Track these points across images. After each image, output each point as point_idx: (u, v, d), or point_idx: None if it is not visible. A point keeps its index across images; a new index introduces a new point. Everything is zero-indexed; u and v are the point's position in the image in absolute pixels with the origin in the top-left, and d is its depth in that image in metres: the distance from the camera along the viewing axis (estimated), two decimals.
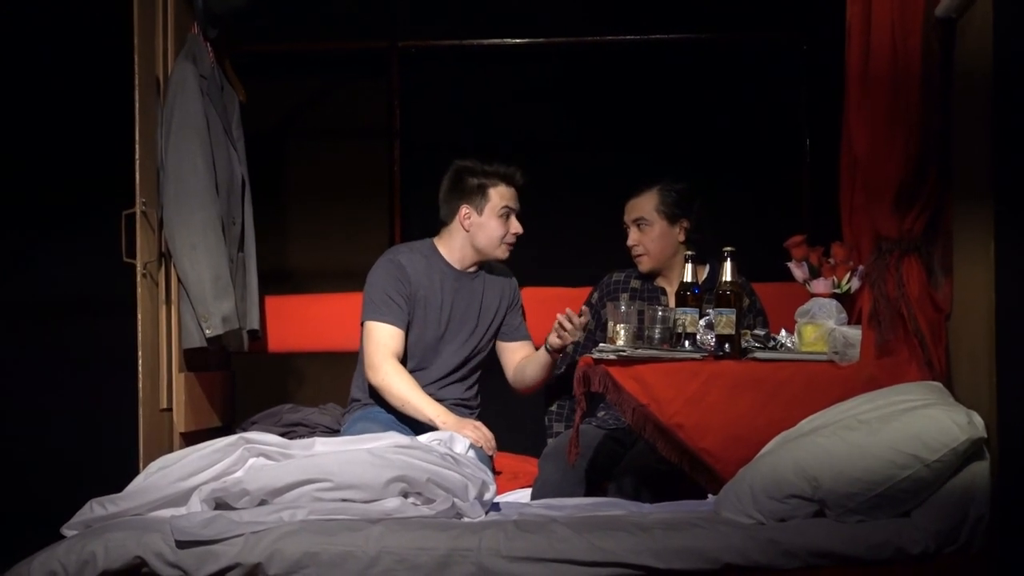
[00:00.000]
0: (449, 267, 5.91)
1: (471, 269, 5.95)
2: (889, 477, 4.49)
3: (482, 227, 5.85)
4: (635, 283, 6.03)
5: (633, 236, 5.97)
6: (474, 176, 5.85)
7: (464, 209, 5.87)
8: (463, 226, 5.88)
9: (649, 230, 5.93)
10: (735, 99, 7.58)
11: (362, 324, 5.85)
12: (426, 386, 5.79)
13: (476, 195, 5.84)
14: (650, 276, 6.01)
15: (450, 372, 5.91)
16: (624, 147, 7.51)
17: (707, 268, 5.91)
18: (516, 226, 5.86)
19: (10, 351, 7.18)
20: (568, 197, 6.11)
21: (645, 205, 5.95)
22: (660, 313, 5.28)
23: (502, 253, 5.88)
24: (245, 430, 5.73)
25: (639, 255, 5.98)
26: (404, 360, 5.84)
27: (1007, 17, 4.48)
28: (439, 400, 5.76)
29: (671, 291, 5.91)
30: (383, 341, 5.79)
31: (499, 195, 5.83)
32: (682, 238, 5.93)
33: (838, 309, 5.23)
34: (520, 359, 5.99)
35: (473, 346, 5.94)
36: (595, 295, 6.10)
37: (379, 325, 5.81)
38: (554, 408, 6.09)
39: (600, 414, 5.93)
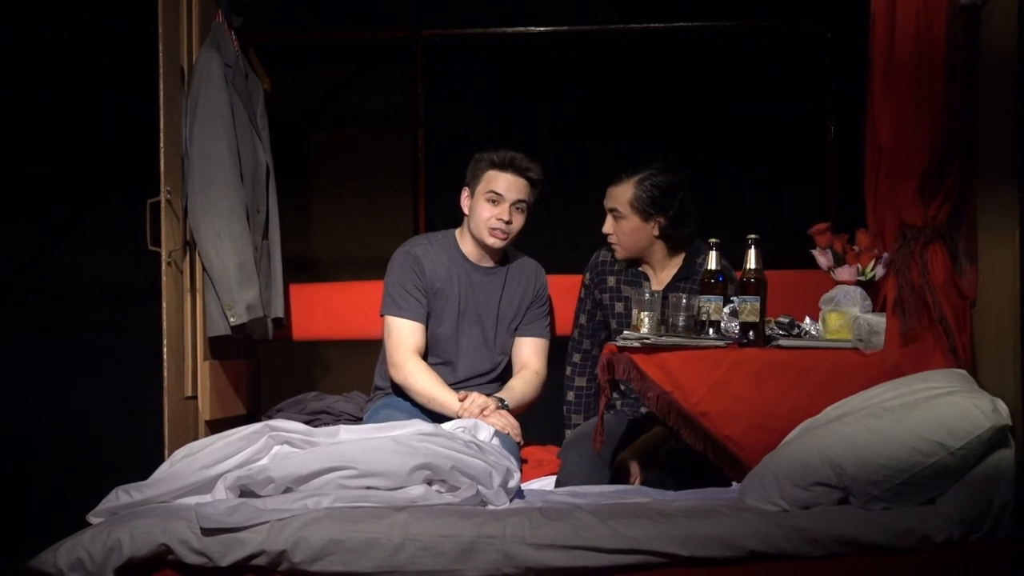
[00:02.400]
0: (467, 261, 5.90)
1: (489, 264, 5.93)
2: (913, 465, 4.49)
3: (473, 210, 5.84)
4: (620, 265, 5.97)
5: (608, 224, 5.85)
6: (478, 161, 5.86)
7: (464, 191, 5.89)
8: (464, 209, 5.89)
9: (623, 222, 5.81)
10: (760, 87, 7.57)
11: (381, 317, 5.86)
12: (452, 384, 5.79)
13: (473, 178, 5.85)
14: (633, 262, 5.98)
15: (478, 375, 5.90)
16: (648, 135, 7.51)
17: (683, 256, 5.87)
18: (501, 212, 5.77)
19: (36, 339, 7.22)
20: (592, 185, 6.10)
21: (620, 197, 5.81)
22: (684, 301, 5.28)
23: (488, 238, 5.81)
24: (270, 418, 5.75)
25: (613, 244, 5.91)
26: (426, 354, 5.85)
27: None
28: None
29: (654, 277, 5.86)
30: (403, 338, 5.79)
31: (488, 179, 5.80)
32: (656, 233, 5.80)
33: (862, 296, 5.22)
34: (524, 355, 5.96)
35: (497, 347, 5.92)
36: (587, 276, 6.06)
37: (398, 321, 5.81)
38: (571, 398, 6.06)
39: (617, 404, 5.92)
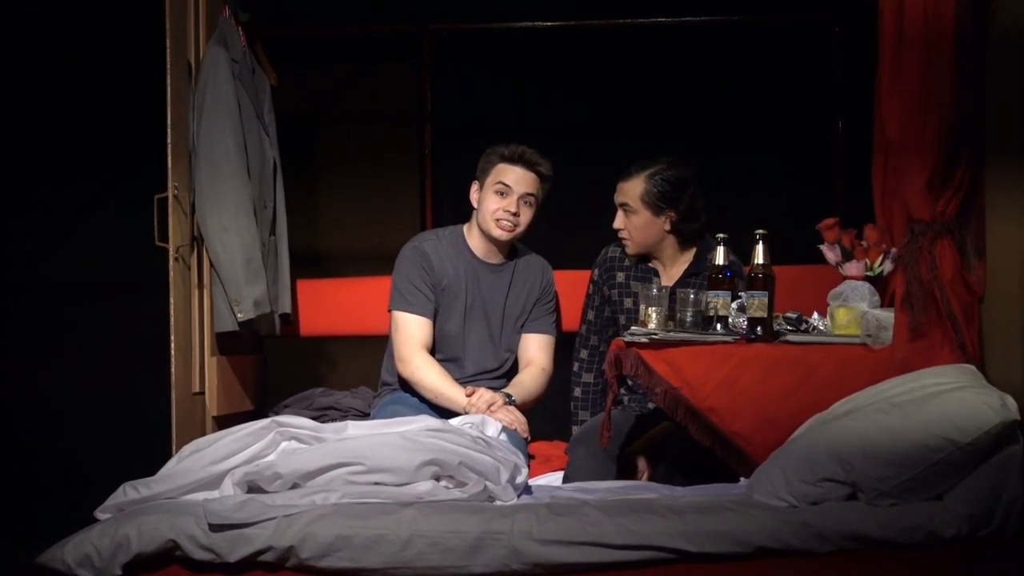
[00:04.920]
0: (474, 257, 5.89)
1: (496, 260, 5.93)
2: (922, 460, 4.48)
3: (481, 202, 5.84)
4: (629, 261, 5.95)
5: (619, 220, 5.83)
6: (489, 155, 5.86)
7: (474, 185, 5.90)
8: (473, 202, 5.90)
9: (634, 217, 5.79)
10: (768, 82, 7.55)
11: (389, 312, 5.86)
12: (459, 381, 5.77)
13: (483, 171, 5.86)
14: (643, 257, 5.96)
15: (485, 371, 5.90)
16: (656, 130, 7.48)
17: (694, 251, 5.87)
18: (509, 204, 5.76)
19: (44, 335, 7.22)
20: (600, 179, 6.09)
21: (631, 191, 5.79)
22: (692, 296, 5.28)
23: (495, 230, 5.79)
24: (277, 414, 5.76)
25: (624, 239, 5.89)
26: (433, 351, 5.84)
27: None
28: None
29: (664, 272, 5.85)
30: (411, 333, 5.78)
31: (497, 172, 5.80)
32: (667, 227, 5.79)
33: (871, 292, 5.22)
34: (531, 351, 5.95)
35: (503, 343, 5.91)
36: (596, 272, 6.04)
37: (406, 315, 5.80)
38: (578, 394, 6.05)
39: (625, 399, 5.91)
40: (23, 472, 7.06)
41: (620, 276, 5.90)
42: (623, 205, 5.80)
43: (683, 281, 5.76)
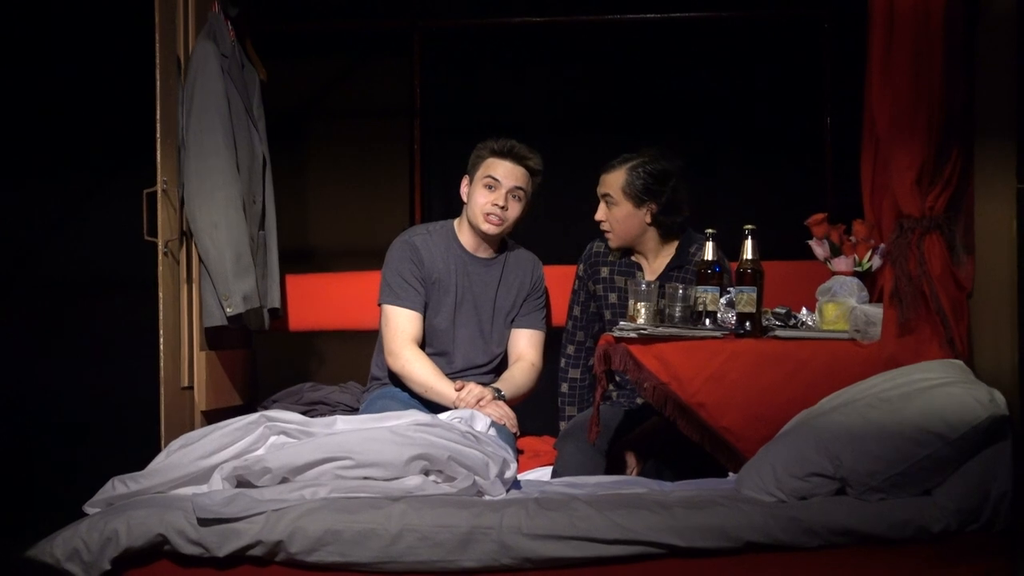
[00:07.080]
0: (465, 251, 5.89)
1: (486, 255, 5.92)
2: (910, 455, 4.48)
3: (471, 197, 5.83)
4: (613, 256, 5.95)
5: (600, 211, 5.84)
6: (479, 149, 5.86)
7: (464, 179, 5.89)
8: (463, 197, 5.89)
9: (615, 208, 5.79)
10: (757, 77, 7.56)
11: (379, 306, 5.86)
12: (448, 376, 5.77)
13: (473, 166, 5.86)
14: (626, 251, 5.96)
15: (474, 367, 5.89)
16: (646, 125, 7.50)
17: (676, 244, 5.87)
18: (497, 198, 5.75)
19: (33, 329, 7.21)
20: (589, 175, 6.09)
21: (612, 183, 5.80)
22: (681, 291, 5.27)
23: (483, 223, 5.79)
24: (266, 408, 5.75)
25: (606, 231, 5.89)
26: (423, 345, 5.84)
27: None
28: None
29: (647, 266, 5.85)
30: (401, 326, 5.78)
31: (487, 166, 5.80)
32: (648, 220, 5.78)
33: (859, 287, 5.21)
34: (520, 346, 5.95)
35: (493, 338, 5.91)
36: (581, 267, 6.04)
37: (396, 309, 5.80)
38: (565, 390, 6.04)
39: (614, 395, 5.91)
40: (10, 467, 7.05)
41: (604, 271, 5.90)
42: (605, 196, 5.80)
43: (666, 274, 5.75)
